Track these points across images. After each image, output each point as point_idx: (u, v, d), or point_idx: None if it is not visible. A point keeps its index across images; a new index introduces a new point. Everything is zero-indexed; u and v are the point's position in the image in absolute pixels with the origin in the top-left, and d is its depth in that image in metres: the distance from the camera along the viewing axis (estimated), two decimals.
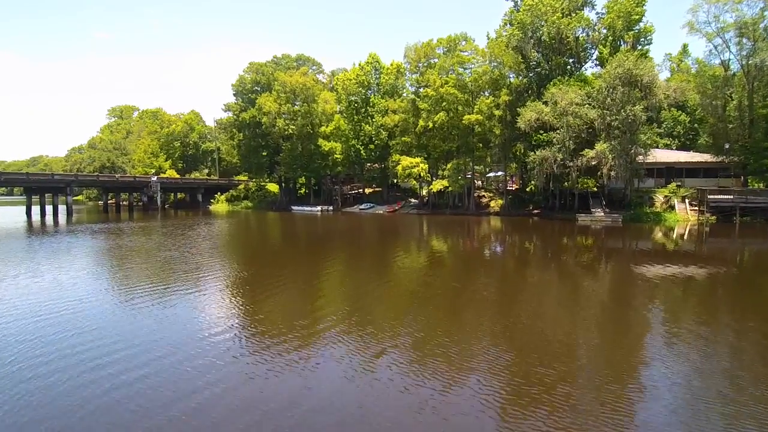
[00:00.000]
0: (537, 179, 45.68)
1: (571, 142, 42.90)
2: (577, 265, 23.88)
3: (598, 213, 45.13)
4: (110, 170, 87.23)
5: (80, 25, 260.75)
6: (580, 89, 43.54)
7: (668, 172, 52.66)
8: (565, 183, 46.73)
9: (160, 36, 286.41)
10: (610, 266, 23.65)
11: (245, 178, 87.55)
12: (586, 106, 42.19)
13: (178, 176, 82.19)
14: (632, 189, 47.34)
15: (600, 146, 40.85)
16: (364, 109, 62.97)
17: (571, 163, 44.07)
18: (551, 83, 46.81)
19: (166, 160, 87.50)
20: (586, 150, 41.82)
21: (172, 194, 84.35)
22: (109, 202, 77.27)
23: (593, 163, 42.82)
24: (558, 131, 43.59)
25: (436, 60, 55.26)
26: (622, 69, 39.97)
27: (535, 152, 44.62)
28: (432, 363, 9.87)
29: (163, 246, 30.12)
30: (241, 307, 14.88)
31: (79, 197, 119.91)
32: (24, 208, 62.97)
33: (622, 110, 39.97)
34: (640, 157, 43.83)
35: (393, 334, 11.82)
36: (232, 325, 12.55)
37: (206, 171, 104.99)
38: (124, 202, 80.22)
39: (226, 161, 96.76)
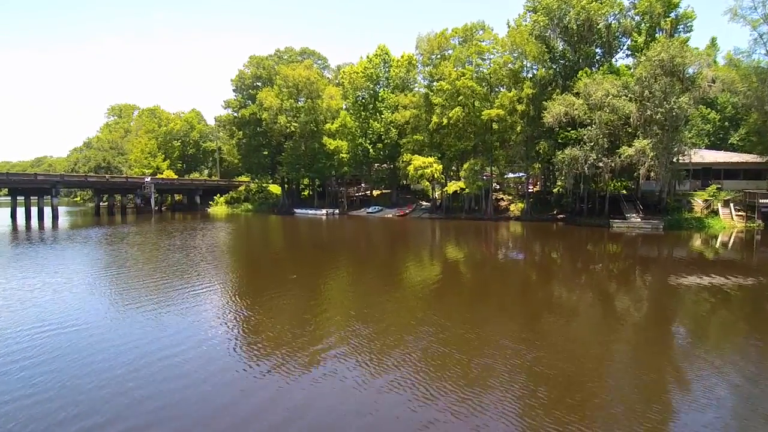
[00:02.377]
0: (565, 181, 41.15)
1: (605, 139, 38.36)
2: (631, 289, 19.38)
3: (634, 219, 40.49)
4: (106, 171, 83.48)
5: (82, 24, 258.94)
6: (615, 80, 38.99)
7: (705, 174, 48.19)
8: (598, 185, 42.32)
9: (163, 35, 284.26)
10: (670, 291, 19.04)
11: (247, 179, 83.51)
12: (623, 98, 37.61)
13: (175, 177, 78.13)
14: (672, 192, 42.77)
15: (640, 143, 36.25)
16: (372, 105, 58.49)
17: (602, 163, 39.65)
18: (579, 74, 42.31)
19: (164, 160, 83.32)
20: (624, 147, 37.22)
21: (169, 196, 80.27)
22: (104, 203, 73.83)
23: (628, 162, 38.29)
24: (589, 127, 39.10)
25: (451, 51, 50.92)
26: (666, 54, 35.33)
27: (563, 151, 40.08)
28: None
29: (140, 261, 25.90)
30: (236, 340, 11.59)
31: (77, 199, 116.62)
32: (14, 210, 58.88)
33: (665, 102, 35.36)
34: (685, 156, 39.26)
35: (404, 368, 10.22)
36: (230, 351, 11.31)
37: (207, 172, 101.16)
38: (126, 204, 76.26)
39: (228, 162, 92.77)
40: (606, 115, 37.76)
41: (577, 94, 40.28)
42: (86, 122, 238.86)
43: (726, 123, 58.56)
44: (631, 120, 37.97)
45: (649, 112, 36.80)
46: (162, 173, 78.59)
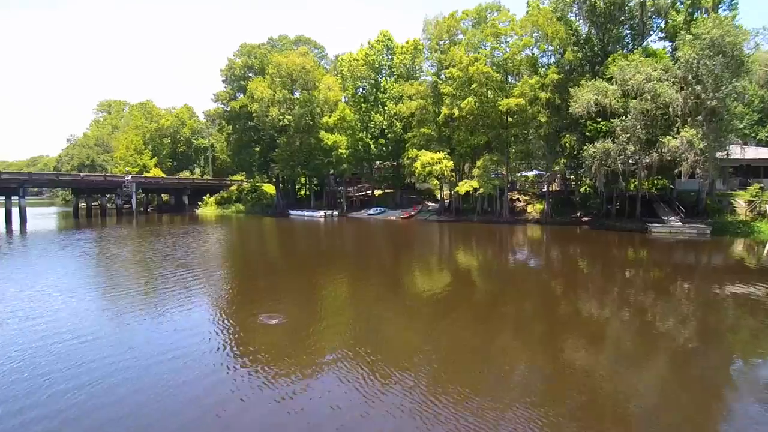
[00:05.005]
0: (596, 179, 36.14)
1: (643, 130, 33.36)
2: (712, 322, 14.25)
3: (674, 222, 35.49)
4: (90, 169, 78.29)
5: (78, 19, 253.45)
6: (655, 63, 33.99)
7: (743, 171, 43.51)
8: (630, 183, 37.45)
9: (158, 30, 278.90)
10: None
11: (242, 178, 78.47)
12: (665, 83, 32.56)
13: (163, 175, 73.00)
14: (712, 192, 37.93)
15: (687, 132, 31.24)
16: (373, 96, 53.30)
17: (637, 158, 34.69)
18: (611, 58, 37.34)
19: (152, 158, 78.08)
20: (668, 137, 32.19)
21: (155, 197, 75.03)
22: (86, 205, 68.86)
23: (668, 157, 33.31)
24: (623, 117, 34.09)
25: (462, 36, 45.89)
26: (718, 32, 30.31)
27: (593, 144, 35.05)
28: None
29: (84, 282, 20.83)
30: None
31: (60, 200, 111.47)
32: None
33: (722, 87, 30.36)
34: (724, 151, 34.34)
35: None
36: None
37: (199, 171, 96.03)
38: (109, 204, 70.98)
39: (221, 160, 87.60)
40: (644, 103, 32.74)
41: (609, 80, 35.29)
42: (81, 120, 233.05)
43: (756, 116, 53.99)
44: (671, 108, 32.90)
45: (695, 99, 31.85)
46: (149, 172, 73.47)
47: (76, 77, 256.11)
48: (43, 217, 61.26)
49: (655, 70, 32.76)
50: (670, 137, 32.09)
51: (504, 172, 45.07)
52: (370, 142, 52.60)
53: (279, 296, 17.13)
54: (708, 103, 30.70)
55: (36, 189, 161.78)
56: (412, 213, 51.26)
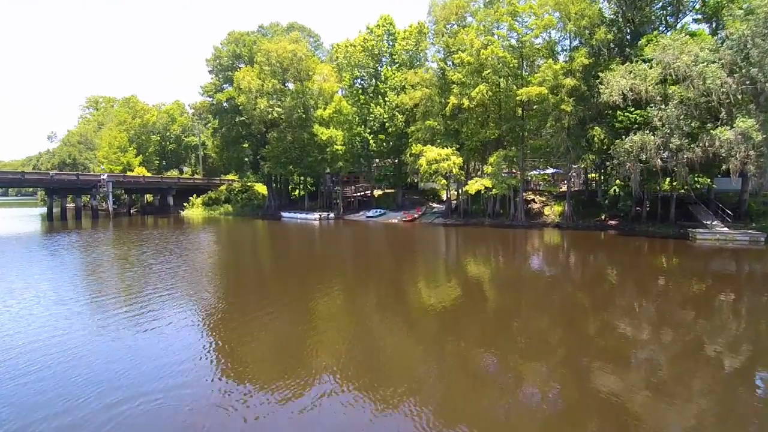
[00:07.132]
0: (630, 177, 31.50)
1: (687, 121, 28.73)
2: None
3: (719, 227, 30.85)
4: (71, 167, 73.45)
5: (74, 16, 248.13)
6: (701, 42, 29.36)
7: None
8: (665, 182, 32.88)
9: (154, 26, 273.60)
10: None
11: (234, 177, 73.72)
12: (714, 65, 27.90)
13: (148, 174, 68.16)
14: (760, 193, 33.41)
15: (744, 123, 26.60)
16: (373, 87, 48.54)
17: (677, 153, 30.04)
18: (644, 39, 32.74)
19: (137, 156, 73.11)
20: (720, 129, 27.53)
21: (138, 197, 70.05)
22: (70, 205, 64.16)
23: (713, 152, 28.64)
24: (663, 106, 29.45)
25: (472, 19, 41.29)
26: None
27: (630, 136, 30.36)
28: None
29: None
30: None
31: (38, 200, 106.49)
32: None
33: None
34: None
35: None
36: None
37: (189, 170, 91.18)
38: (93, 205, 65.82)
39: (213, 158, 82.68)
40: (690, 90, 28.10)
41: (645, 62, 30.63)
42: (76, 119, 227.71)
43: None
44: (715, 95, 28.16)
45: (749, 84, 27.24)
46: (132, 170, 68.57)
47: (74, 76, 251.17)
48: (15, 220, 56.59)
49: (702, 50, 28.10)
50: (723, 129, 27.40)
51: (518, 170, 40.45)
52: (369, 137, 47.86)
53: (248, 345, 12.39)
54: (766, 85, 26.07)
55: (31, 189, 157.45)
56: (416, 215, 46.56)
